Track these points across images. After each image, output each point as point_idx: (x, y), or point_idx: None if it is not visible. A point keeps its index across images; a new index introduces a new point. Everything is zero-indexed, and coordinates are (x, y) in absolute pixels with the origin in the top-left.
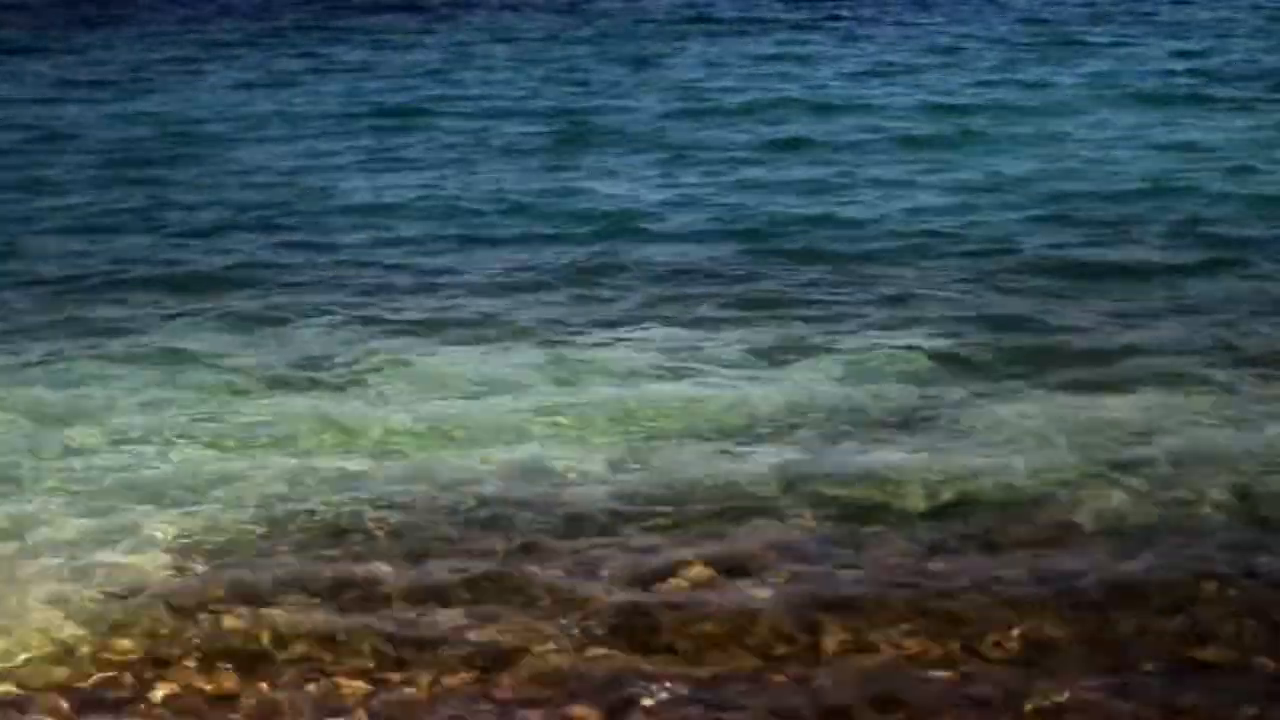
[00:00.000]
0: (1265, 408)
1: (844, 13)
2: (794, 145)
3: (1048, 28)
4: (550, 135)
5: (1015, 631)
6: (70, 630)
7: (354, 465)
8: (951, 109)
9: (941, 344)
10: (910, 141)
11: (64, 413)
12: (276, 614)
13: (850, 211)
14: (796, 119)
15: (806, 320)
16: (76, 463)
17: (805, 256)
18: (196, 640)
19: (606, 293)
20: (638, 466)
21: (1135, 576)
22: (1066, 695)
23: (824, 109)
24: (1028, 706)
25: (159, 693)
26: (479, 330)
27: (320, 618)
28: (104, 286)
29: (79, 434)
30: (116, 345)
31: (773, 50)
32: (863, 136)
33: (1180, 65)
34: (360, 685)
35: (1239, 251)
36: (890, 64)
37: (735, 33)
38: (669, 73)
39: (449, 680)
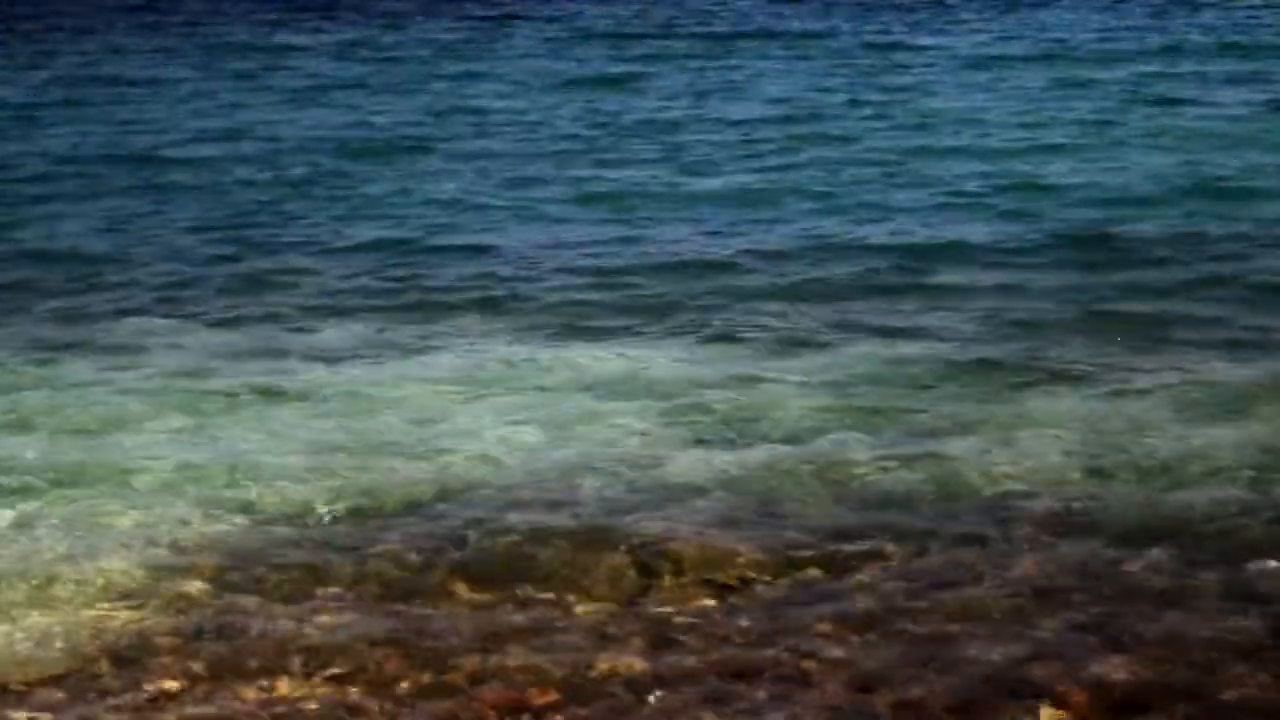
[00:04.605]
0: (1270, 405)
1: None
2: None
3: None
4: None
5: (1014, 630)
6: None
7: (345, 467)
8: (950, 111)
9: (942, 346)
10: (912, 145)
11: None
12: (276, 611)
13: (856, 216)
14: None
15: (808, 321)
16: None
17: (808, 256)
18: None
19: (608, 295)
20: (641, 467)
21: (1135, 576)
22: (1056, 686)
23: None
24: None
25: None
26: (474, 330)
27: (318, 617)
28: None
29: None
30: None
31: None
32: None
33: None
34: (359, 681)
35: (1247, 251)
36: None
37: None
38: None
39: (444, 678)
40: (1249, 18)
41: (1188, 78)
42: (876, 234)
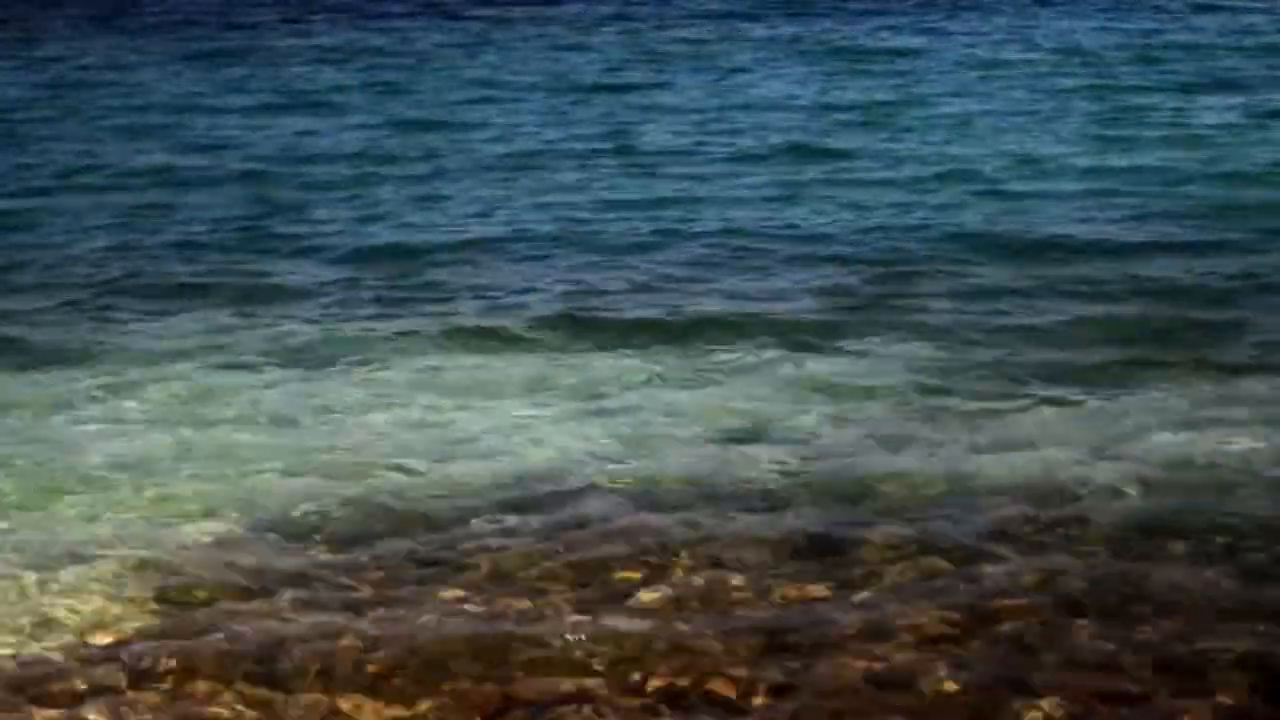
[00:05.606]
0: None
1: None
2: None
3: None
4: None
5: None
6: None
7: (347, 466)
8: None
9: (942, 358)
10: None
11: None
12: (269, 608)
13: (852, 227)
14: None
15: (804, 332)
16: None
17: (800, 266)
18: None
19: (614, 299)
20: (647, 466)
21: (1139, 576)
22: (1059, 687)
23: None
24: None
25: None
26: (481, 332)
27: (321, 614)
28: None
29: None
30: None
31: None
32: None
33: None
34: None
35: (1248, 257)
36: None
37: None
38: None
39: (443, 672)
40: (1249, 20)
41: (1188, 81)
42: (872, 245)
